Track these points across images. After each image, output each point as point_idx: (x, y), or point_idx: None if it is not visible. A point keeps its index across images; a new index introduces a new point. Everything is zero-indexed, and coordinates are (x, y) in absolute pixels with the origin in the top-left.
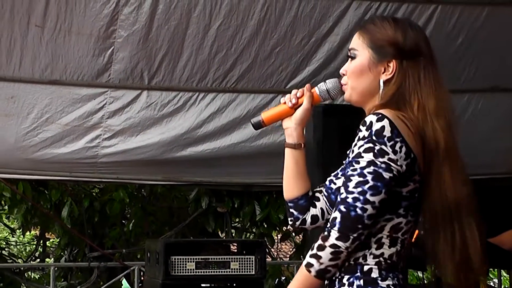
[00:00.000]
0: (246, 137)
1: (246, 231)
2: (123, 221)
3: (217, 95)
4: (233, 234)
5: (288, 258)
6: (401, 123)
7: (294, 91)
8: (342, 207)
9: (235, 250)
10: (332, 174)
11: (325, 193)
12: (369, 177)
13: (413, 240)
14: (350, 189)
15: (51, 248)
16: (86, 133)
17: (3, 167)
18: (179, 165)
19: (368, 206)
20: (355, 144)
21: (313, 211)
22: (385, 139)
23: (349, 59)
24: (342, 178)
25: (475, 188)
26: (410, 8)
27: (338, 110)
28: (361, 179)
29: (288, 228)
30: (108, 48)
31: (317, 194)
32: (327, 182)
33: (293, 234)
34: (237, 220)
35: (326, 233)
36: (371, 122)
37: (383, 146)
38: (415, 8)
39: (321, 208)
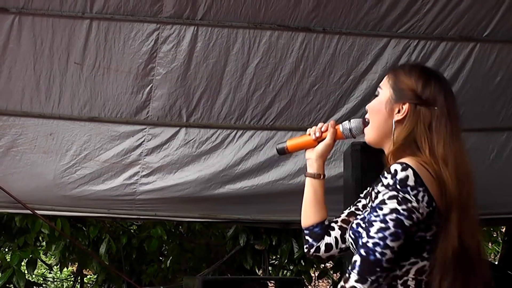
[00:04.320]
0: (284, 175)
1: (284, 268)
2: (161, 258)
3: (255, 133)
4: (271, 272)
5: None
6: (425, 171)
7: (319, 125)
8: (362, 251)
9: None
10: (359, 218)
11: (352, 236)
12: (390, 224)
13: None
14: (371, 234)
15: (88, 285)
16: (124, 170)
17: (41, 203)
18: (217, 202)
19: (387, 251)
20: (379, 191)
21: (327, 239)
22: (409, 188)
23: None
24: (362, 218)
25: None
26: (448, 46)
27: (376, 148)
28: (383, 225)
29: (325, 265)
30: (147, 86)
31: (333, 224)
32: (354, 225)
33: (331, 271)
34: (274, 257)
35: (347, 275)
36: (395, 171)
37: (406, 195)
38: (454, 46)
39: (335, 237)
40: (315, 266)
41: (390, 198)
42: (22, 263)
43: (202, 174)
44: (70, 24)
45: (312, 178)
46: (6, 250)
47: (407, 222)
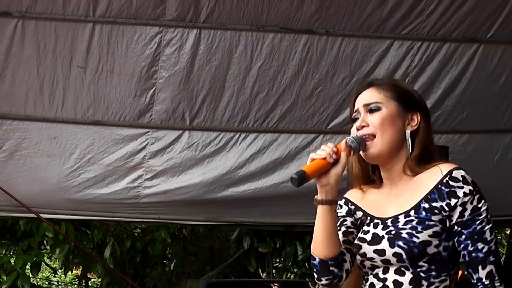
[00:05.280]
0: (287, 177)
1: (288, 271)
2: (165, 261)
3: (258, 135)
4: (274, 274)
5: None
6: None
7: (325, 147)
8: (492, 258)
9: None
10: (409, 227)
11: (405, 246)
12: (491, 220)
13: (458, 279)
14: (489, 238)
15: None
16: (128, 174)
17: (46, 207)
18: (220, 205)
19: None
20: (465, 201)
21: (345, 265)
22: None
23: (368, 112)
24: (466, 235)
25: None
26: (452, 47)
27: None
28: (490, 225)
29: None
30: (150, 89)
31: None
32: (406, 235)
33: None
34: (277, 260)
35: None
36: (463, 176)
37: (483, 193)
38: (457, 48)
39: (349, 261)
40: None
41: (479, 200)
42: (27, 267)
43: (205, 177)
44: (73, 28)
45: (332, 205)
46: (11, 253)
47: None
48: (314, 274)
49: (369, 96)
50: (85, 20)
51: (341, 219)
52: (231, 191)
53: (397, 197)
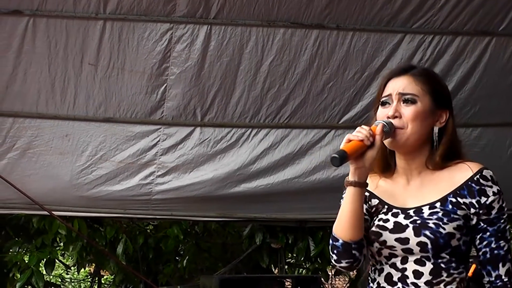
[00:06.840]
0: (299, 173)
1: (300, 266)
2: (177, 258)
3: (270, 131)
4: (287, 270)
5: None
6: None
7: (362, 129)
8: (509, 256)
9: (290, 286)
10: (435, 218)
11: (431, 236)
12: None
13: (470, 274)
14: (509, 237)
15: (106, 285)
16: (140, 170)
17: (58, 204)
18: (232, 201)
19: None
20: (493, 200)
21: (364, 250)
22: None
23: (403, 102)
24: (491, 232)
25: None
26: (464, 41)
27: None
28: (509, 226)
29: None
30: (161, 85)
31: None
32: (433, 225)
33: None
34: (290, 255)
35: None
36: (492, 176)
37: None
38: (469, 41)
39: (366, 247)
40: (331, 263)
41: (503, 201)
42: (40, 264)
43: (217, 173)
44: (84, 25)
45: (363, 188)
46: (24, 251)
47: None
48: (333, 256)
49: (405, 85)
50: (96, 17)
51: None
52: (243, 187)
53: (417, 189)
